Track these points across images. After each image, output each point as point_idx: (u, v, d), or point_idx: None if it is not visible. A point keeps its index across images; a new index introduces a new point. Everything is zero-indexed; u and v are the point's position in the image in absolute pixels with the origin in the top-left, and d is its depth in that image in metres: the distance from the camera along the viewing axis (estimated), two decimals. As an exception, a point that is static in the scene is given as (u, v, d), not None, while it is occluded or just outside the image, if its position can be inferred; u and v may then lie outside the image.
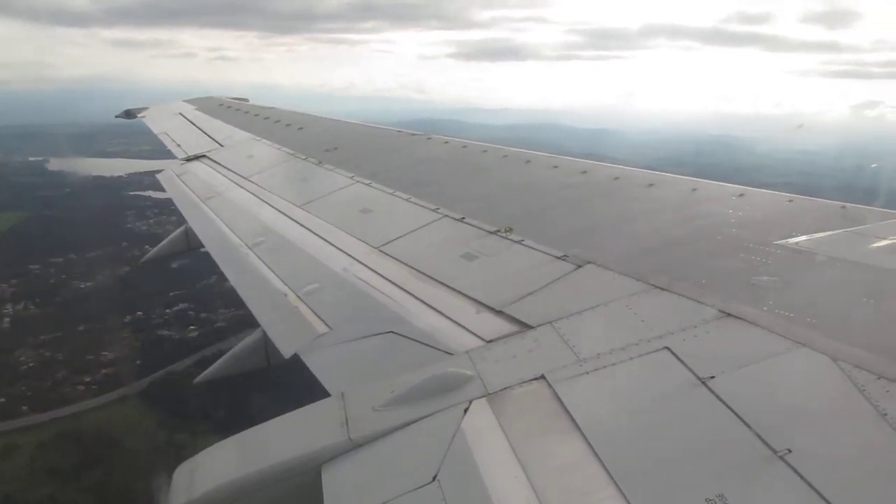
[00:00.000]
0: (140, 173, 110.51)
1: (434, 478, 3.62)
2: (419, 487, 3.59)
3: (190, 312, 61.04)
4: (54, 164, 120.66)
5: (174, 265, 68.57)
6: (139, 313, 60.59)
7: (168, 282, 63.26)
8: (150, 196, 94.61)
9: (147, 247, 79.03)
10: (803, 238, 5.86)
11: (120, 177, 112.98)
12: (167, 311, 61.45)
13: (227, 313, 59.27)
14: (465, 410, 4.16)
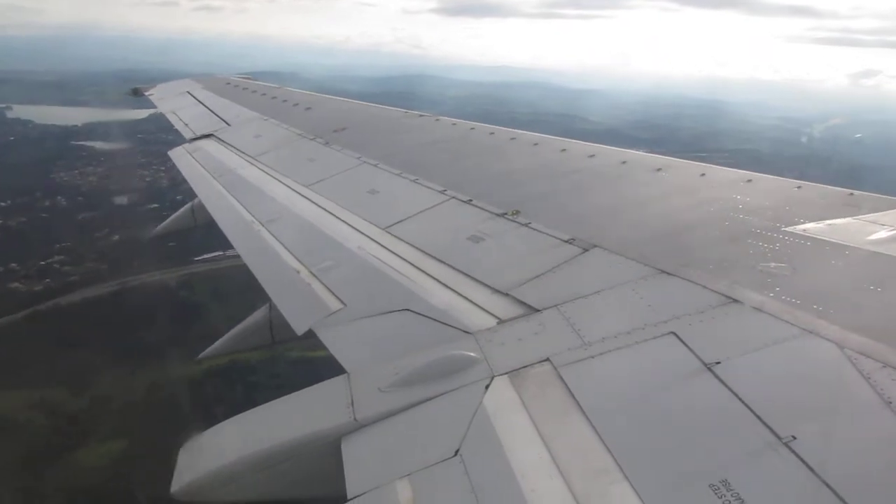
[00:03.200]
0: (94, 123, 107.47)
1: (456, 452, 3.68)
2: (442, 461, 3.65)
3: (56, 265, 58.80)
4: (16, 112, 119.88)
5: (80, 216, 67.68)
6: (12, 265, 57.71)
7: (68, 233, 62.48)
8: (91, 146, 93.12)
9: (59, 197, 73.51)
10: (811, 225, 5.84)
11: (74, 126, 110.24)
12: (41, 263, 58.94)
13: (90, 267, 58.08)
14: (487, 387, 4.20)
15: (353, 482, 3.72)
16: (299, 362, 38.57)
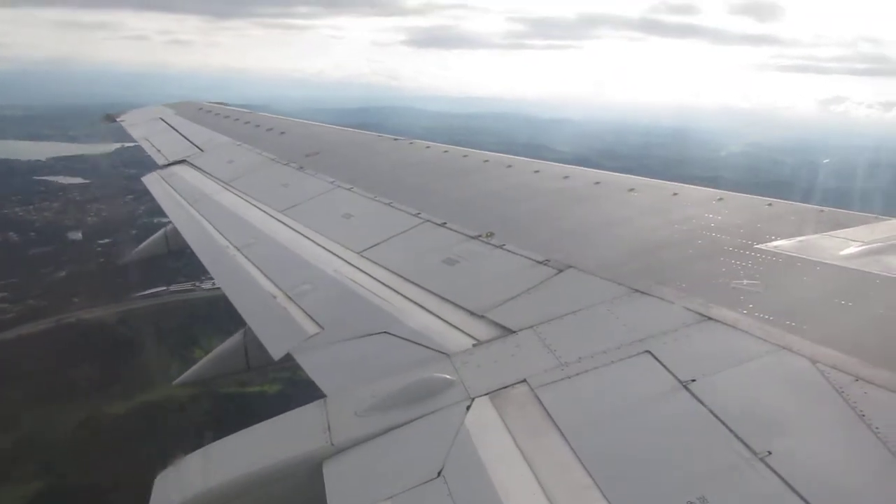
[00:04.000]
0: (59, 157, 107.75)
1: (439, 473, 3.67)
2: (425, 482, 3.64)
3: (-8, 302, 57.59)
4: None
5: (31, 252, 66.38)
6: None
7: (14, 270, 61.58)
8: (52, 181, 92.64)
9: (11, 233, 72.01)
10: (783, 242, 5.90)
11: (38, 160, 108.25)
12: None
13: (30, 304, 56.59)
14: (468, 408, 4.20)
15: None
16: (230, 398, 37.95)
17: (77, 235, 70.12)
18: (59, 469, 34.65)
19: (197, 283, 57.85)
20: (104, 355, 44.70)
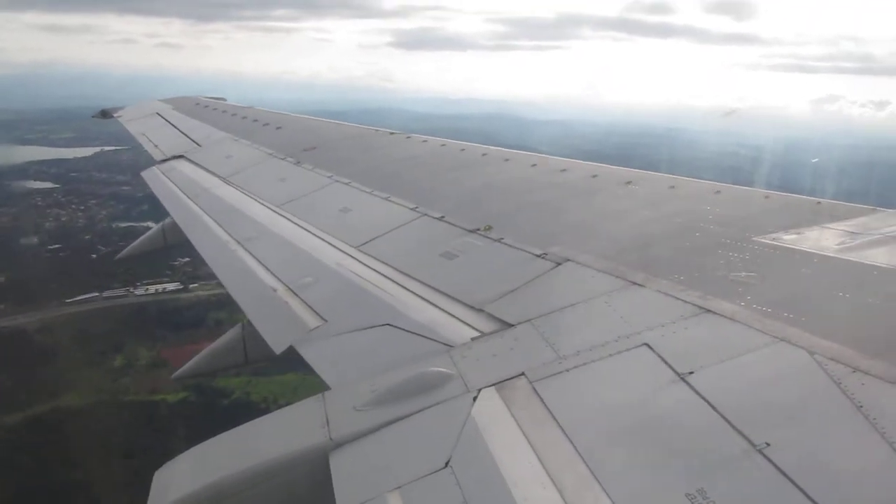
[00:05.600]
0: (31, 162, 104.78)
1: (447, 463, 3.68)
2: (433, 473, 3.65)
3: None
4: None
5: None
6: None
7: None
8: (21, 186, 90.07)
9: None
10: (780, 234, 5.90)
11: (13, 165, 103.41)
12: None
13: None
14: (475, 399, 4.20)
15: (342, 497, 3.69)
16: (127, 406, 37.28)
17: (31, 241, 67.99)
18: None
19: (130, 289, 56.76)
20: (14, 365, 43.64)
